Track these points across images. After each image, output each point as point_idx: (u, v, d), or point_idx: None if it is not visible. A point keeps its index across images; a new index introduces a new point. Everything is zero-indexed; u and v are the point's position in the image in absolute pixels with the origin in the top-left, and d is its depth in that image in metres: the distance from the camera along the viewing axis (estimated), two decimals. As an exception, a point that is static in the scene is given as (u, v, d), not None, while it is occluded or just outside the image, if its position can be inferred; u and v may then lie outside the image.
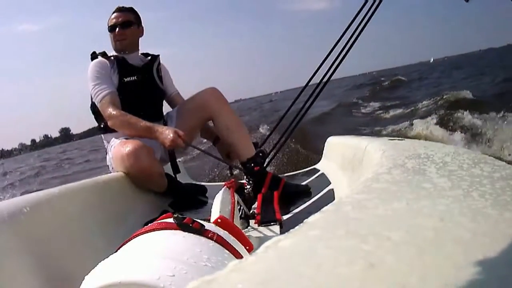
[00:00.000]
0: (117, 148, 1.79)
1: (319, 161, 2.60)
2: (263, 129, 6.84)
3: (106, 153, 1.96)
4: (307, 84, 2.19)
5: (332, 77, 1.99)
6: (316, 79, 2.11)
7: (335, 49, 1.98)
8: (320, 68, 2.07)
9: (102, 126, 1.94)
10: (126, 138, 1.81)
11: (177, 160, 2.07)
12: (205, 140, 2.35)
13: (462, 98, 7.36)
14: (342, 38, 1.94)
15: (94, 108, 1.94)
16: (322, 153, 2.58)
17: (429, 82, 14.91)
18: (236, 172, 2.16)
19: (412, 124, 5.99)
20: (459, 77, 14.66)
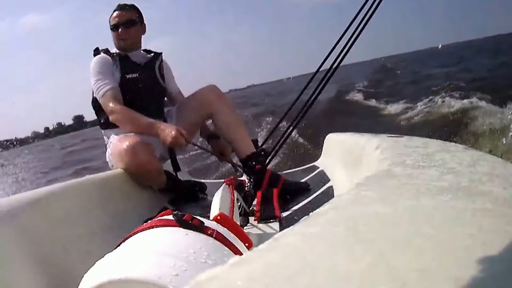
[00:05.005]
0: (116, 144, 1.79)
1: (318, 158, 2.60)
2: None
3: (106, 149, 1.96)
4: (310, 80, 2.18)
5: (340, 64, 1.97)
6: (325, 66, 2.10)
7: (344, 36, 1.96)
8: (327, 58, 2.05)
9: (102, 121, 1.94)
10: (126, 135, 1.81)
11: (177, 157, 2.07)
12: (201, 138, 2.35)
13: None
14: (351, 26, 1.93)
15: (95, 103, 1.93)
16: (322, 150, 2.58)
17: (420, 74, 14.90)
18: (238, 169, 2.16)
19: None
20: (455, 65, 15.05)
